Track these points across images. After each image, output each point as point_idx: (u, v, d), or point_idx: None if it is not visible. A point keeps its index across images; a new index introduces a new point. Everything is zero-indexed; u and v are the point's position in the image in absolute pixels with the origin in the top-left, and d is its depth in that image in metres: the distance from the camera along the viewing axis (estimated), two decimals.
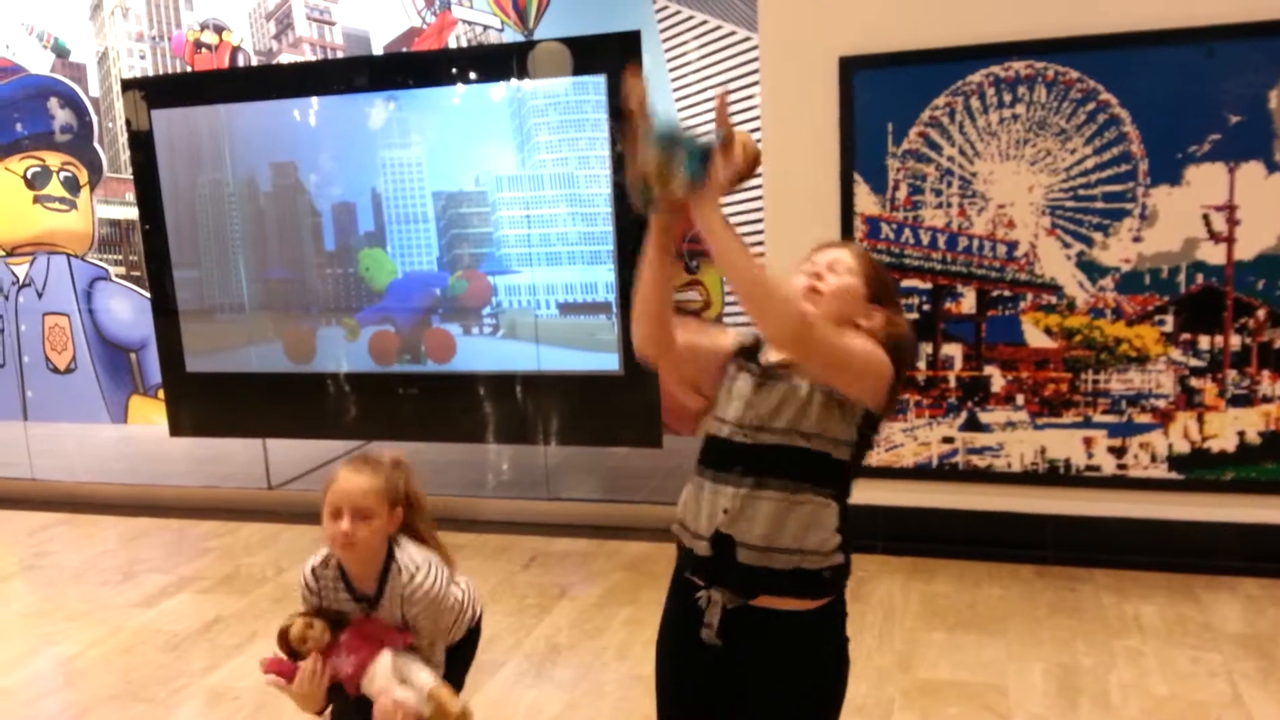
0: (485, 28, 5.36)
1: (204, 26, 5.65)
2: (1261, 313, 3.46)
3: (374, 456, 2.07)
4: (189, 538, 4.67)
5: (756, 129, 4.08)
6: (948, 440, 3.83)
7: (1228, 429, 3.54)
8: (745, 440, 1.60)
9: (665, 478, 4.41)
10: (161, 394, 5.29)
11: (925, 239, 3.74)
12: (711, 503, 1.62)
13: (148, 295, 5.17)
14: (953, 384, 3.79)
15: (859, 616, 3.35)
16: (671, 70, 4.90)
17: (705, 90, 4.87)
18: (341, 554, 2.01)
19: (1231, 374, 3.51)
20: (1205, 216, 3.46)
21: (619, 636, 3.37)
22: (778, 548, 1.58)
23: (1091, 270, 3.59)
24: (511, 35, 5.22)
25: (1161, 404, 3.59)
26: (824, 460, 1.60)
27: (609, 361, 4.32)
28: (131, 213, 5.43)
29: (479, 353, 4.50)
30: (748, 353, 1.69)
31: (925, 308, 3.77)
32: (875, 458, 3.84)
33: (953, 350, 3.78)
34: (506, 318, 4.47)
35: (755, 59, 4.06)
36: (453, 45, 5.33)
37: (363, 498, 1.98)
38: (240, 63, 5.66)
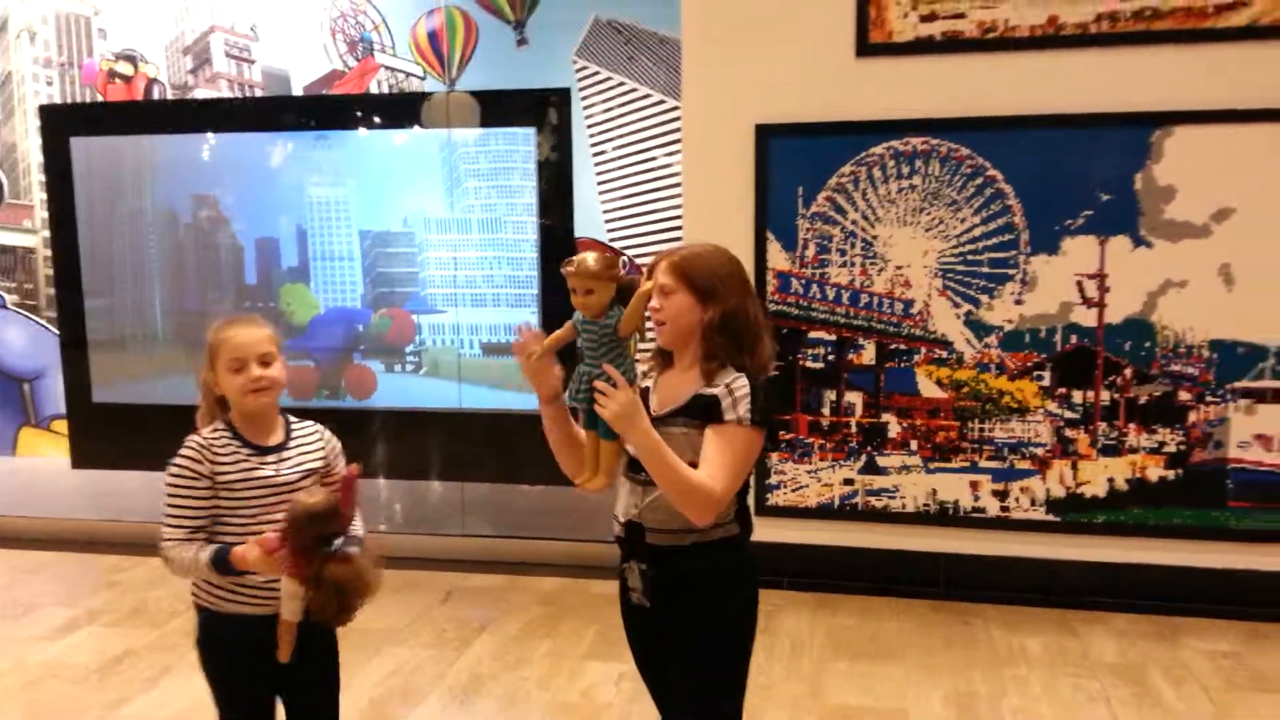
0: (407, 75, 5.49)
1: (118, 56, 5.61)
2: (1129, 371, 3.84)
3: (246, 317, 2.13)
4: (91, 571, 4.53)
5: (678, 188, 4.31)
6: (848, 482, 4.08)
7: (1099, 476, 3.90)
8: None
9: (579, 516, 4.53)
10: (54, 426, 5.15)
11: (831, 294, 4.01)
12: (628, 498, 1.97)
13: (44, 324, 5.05)
14: (854, 429, 4.06)
15: (768, 648, 3.53)
16: (590, 128, 5.13)
17: (622, 148, 5.10)
18: (255, 402, 2.03)
19: (1102, 426, 3.88)
20: (1079, 283, 3.83)
21: (541, 668, 3.45)
22: (679, 529, 1.89)
23: (978, 328, 3.93)
24: (434, 84, 5.36)
25: (1040, 452, 3.93)
26: None
27: (529, 401, 4.43)
28: (30, 239, 5.30)
29: (401, 390, 4.56)
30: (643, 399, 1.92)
31: (830, 358, 4.04)
32: (781, 498, 4.07)
33: (854, 398, 4.05)
34: (429, 356, 4.56)
35: (670, 120, 4.30)
36: (375, 91, 5.44)
37: (265, 343, 2.04)
38: (155, 95, 5.63)
